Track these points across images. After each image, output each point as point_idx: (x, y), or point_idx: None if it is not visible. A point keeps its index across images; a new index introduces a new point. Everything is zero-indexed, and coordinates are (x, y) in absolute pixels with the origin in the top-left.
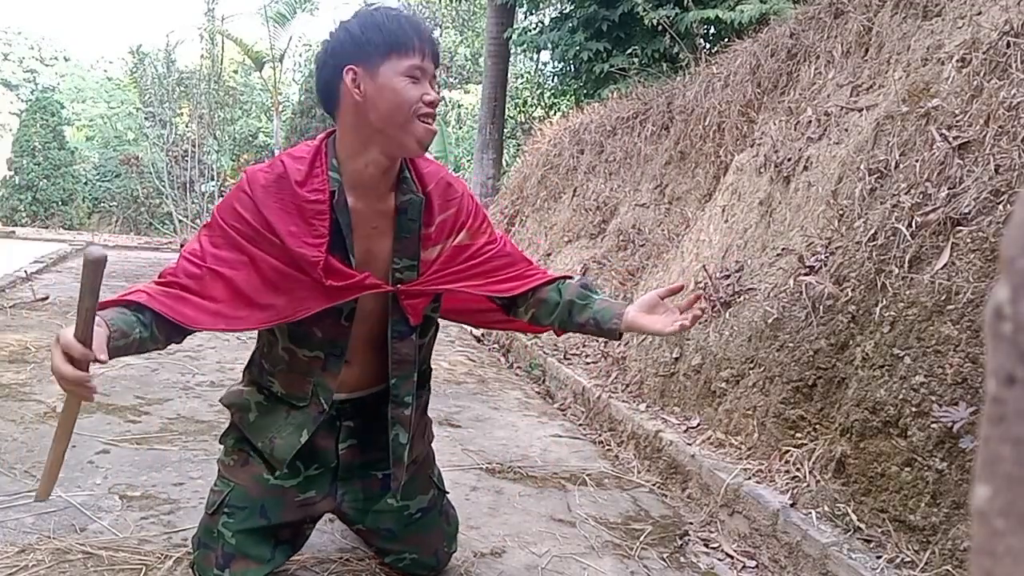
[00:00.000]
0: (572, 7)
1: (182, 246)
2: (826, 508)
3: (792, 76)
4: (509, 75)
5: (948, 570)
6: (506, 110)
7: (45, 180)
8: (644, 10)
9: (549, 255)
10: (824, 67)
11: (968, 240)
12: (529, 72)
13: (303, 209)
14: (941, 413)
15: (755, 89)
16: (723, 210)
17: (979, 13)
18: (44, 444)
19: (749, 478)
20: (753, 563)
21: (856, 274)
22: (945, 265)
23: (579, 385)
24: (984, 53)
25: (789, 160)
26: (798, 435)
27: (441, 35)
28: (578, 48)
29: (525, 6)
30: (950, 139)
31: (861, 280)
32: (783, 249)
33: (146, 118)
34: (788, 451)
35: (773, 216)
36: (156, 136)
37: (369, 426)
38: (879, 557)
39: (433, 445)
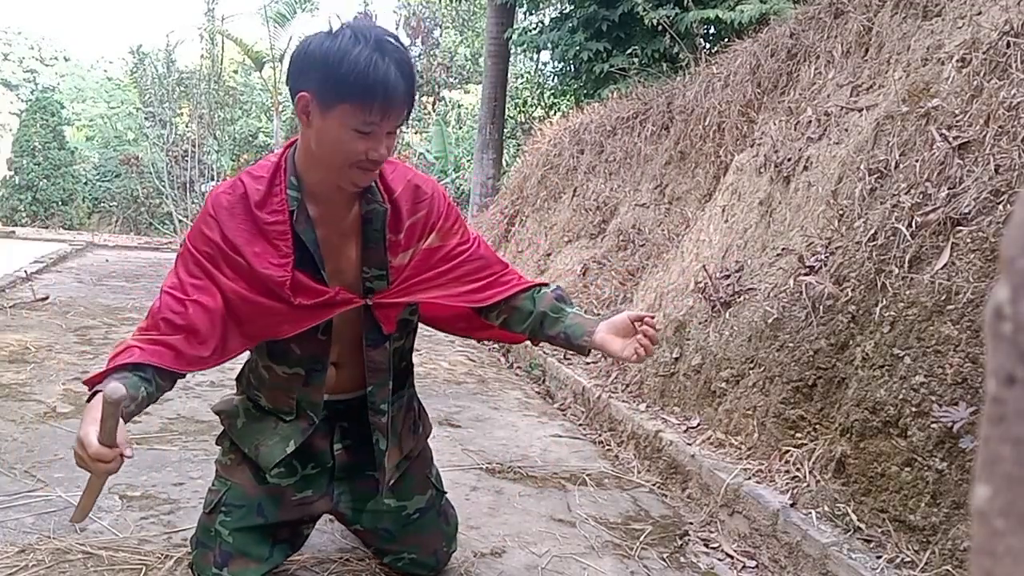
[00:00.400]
0: (572, 7)
1: (182, 246)
2: (826, 508)
3: (792, 76)
4: (509, 75)
5: (948, 570)
6: (506, 110)
7: (45, 180)
8: (644, 10)
9: (549, 255)
10: (824, 67)
11: (968, 240)
12: (529, 72)
13: (265, 231)
14: (941, 413)
15: (755, 89)
16: (723, 210)
17: (979, 13)
18: (44, 444)
19: (749, 478)
20: (753, 563)
21: (856, 274)
22: (945, 265)
23: (579, 385)
24: (984, 53)
25: (789, 160)
26: (798, 435)
27: (441, 35)
28: (578, 48)
29: (525, 6)
30: (950, 139)
31: (861, 280)
32: (783, 249)
33: (146, 118)
34: (788, 451)
35: (773, 216)
36: (156, 136)
37: (360, 428)
38: (879, 557)
39: (433, 445)
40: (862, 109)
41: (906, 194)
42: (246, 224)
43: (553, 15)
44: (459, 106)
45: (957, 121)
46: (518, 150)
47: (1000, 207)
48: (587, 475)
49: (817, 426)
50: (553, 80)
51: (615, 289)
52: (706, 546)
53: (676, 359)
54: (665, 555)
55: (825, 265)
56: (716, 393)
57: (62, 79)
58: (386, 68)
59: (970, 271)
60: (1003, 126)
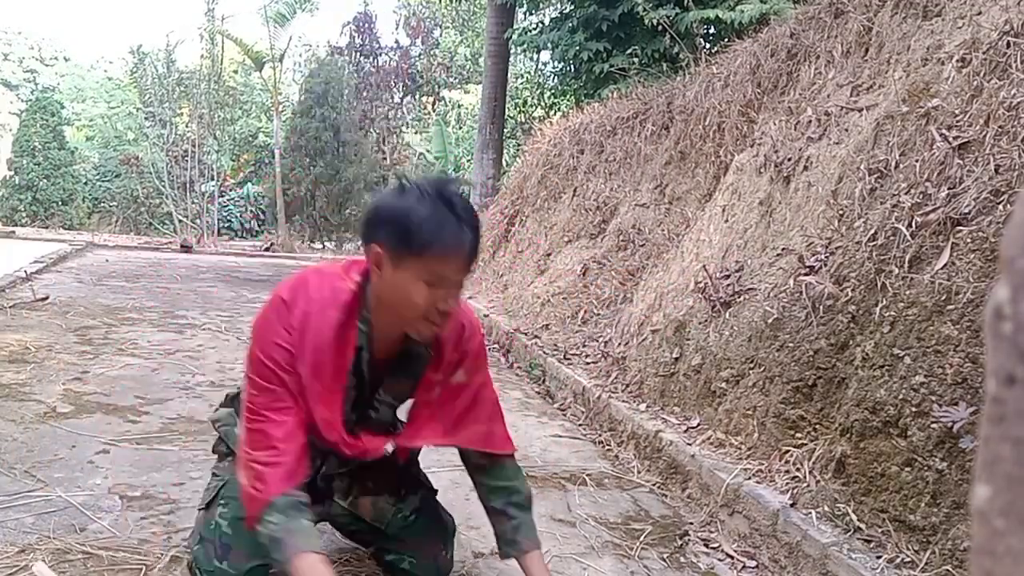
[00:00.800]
0: (572, 7)
1: (182, 245)
2: (826, 508)
3: (792, 76)
4: (509, 75)
5: (948, 570)
6: (506, 110)
7: (45, 180)
8: (644, 10)
9: (549, 255)
10: (824, 67)
11: (968, 240)
12: (529, 72)
13: (329, 366)
14: (941, 413)
15: (755, 89)
16: (723, 210)
17: (979, 13)
18: (44, 444)
19: (749, 478)
20: (753, 563)
21: (856, 274)
22: (945, 265)
23: (579, 385)
24: (984, 53)
25: (789, 160)
26: (798, 435)
27: (441, 35)
28: (578, 48)
29: (525, 6)
30: (950, 139)
31: (861, 280)
32: (783, 249)
33: (146, 118)
34: (788, 451)
35: (773, 216)
36: (156, 136)
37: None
38: (879, 557)
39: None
40: (862, 109)
41: (906, 194)
42: (313, 351)
43: (553, 15)
44: (459, 106)
45: (957, 121)
46: (518, 150)
47: (1000, 207)
48: (587, 475)
49: (817, 426)
50: (553, 80)
51: (615, 289)
52: (706, 546)
53: (676, 359)
54: (665, 555)
55: (825, 265)
56: (716, 393)
57: (62, 79)
58: (456, 222)
59: (970, 271)
60: (1003, 126)
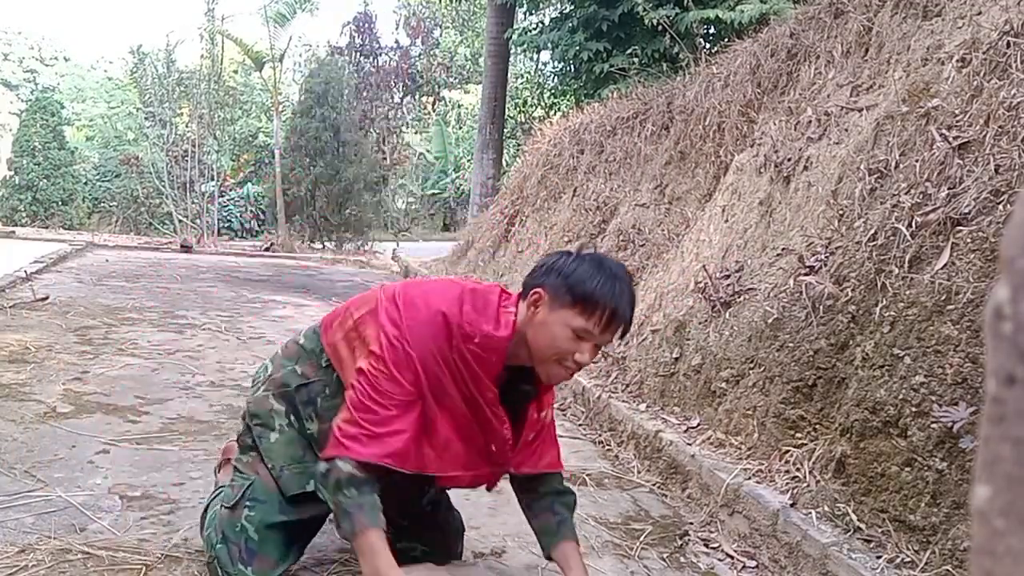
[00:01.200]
0: (572, 7)
1: (182, 245)
2: (826, 508)
3: (792, 76)
4: (509, 75)
5: (948, 570)
6: (506, 110)
7: (45, 180)
8: (644, 10)
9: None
10: (824, 67)
11: (968, 240)
12: (529, 72)
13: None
14: (941, 413)
15: (755, 89)
16: (723, 210)
17: (979, 13)
18: (44, 444)
19: (749, 478)
20: (753, 563)
21: (856, 274)
22: (945, 265)
23: (579, 385)
24: (984, 53)
25: (789, 160)
26: (798, 435)
27: (441, 35)
28: (578, 48)
29: (525, 6)
30: (950, 139)
31: (861, 280)
32: (783, 249)
33: (146, 118)
34: (788, 451)
35: (773, 216)
36: (156, 136)
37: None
38: (879, 557)
39: None
40: (862, 109)
41: (906, 194)
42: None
43: (553, 15)
44: (459, 106)
45: (957, 121)
46: (518, 150)
47: (1000, 207)
48: (587, 475)
49: (817, 426)
50: (553, 80)
51: None
52: (706, 546)
53: (676, 359)
54: (665, 555)
55: (825, 265)
56: (716, 393)
57: (62, 79)
58: (620, 290)
59: (970, 271)
60: (1003, 126)
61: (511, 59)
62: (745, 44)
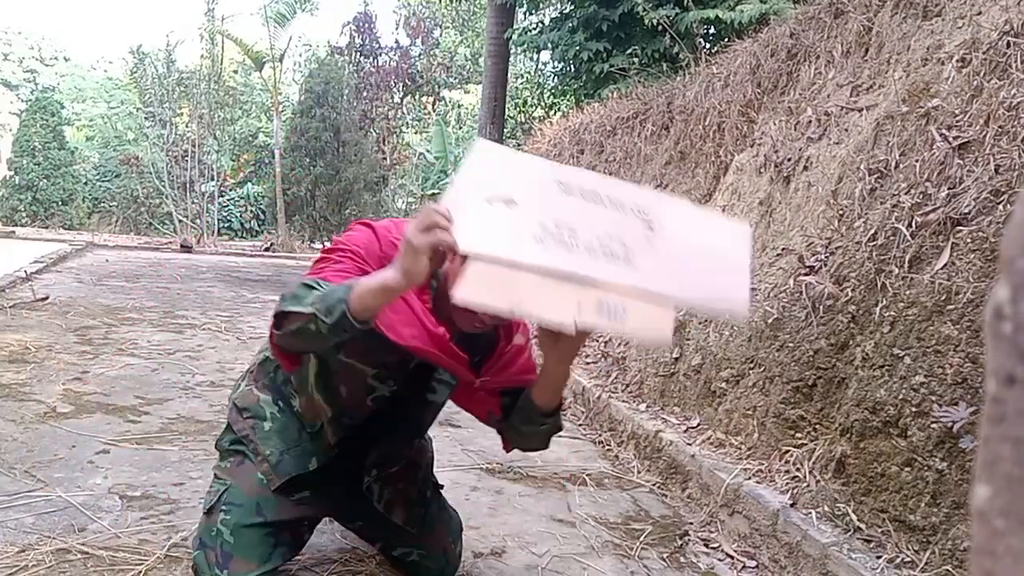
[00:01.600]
0: (572, 7)
1: (182, 245)
2: (826, 508)
3: (792, 76)
4: (509, 75)
5: (948, 570)
6: (506, 110)
7: (45, 180)
8: (644, 10)
9: None
10: (824, 67)
11: (968, 240)
12: (529, 72)
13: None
14: (941, 413)
15: (755, 89)
16: (723, 210)
17: (979, 13)
18: (44, 444)
19: (749, 478)
20: (753, 563)
21: (856, 274)
22: (945, 265)
23: (579, 385)
24: (984, 53)
25: (789, 160)
26: (798, 435)
27: (441, 35)
28: (578, 48)
29: (525, 6)
30: (950, 139)
31: (861, 280)
32: (783, 249)
33: (146, 118)
34: (788, 451)
35: (773, 216)
36: (156, 136)
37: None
38: (879, 557)
39: (434, 445)
40: (862, 109)
41: (906, 194)
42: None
43: (553, 15)
44: (459, 106)
45: (957, 121)
46: (518, 150)
47: (1000, 207)
48: (587, 475)
49: (817, 426)
50: (553, 80)
51: None
52: (706, 546)
53: (676, 359)
54: (665, 555)
55: (825, 265)
56: (716, 393)
57: (62, 79)
58: None
59: (970, 271)
60: (1003, 126)
61: (511, 59)
62: (745, 44)
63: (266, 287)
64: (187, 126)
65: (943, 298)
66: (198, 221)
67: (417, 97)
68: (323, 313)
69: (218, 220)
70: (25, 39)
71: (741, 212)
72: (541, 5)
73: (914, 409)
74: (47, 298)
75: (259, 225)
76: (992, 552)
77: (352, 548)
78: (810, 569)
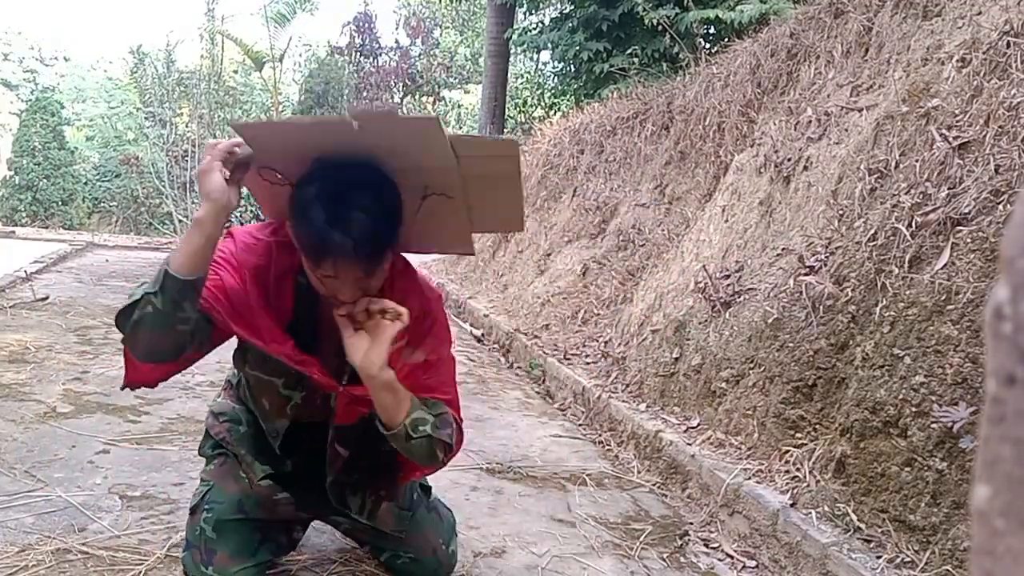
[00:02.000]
0: (572, 7)
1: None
2: (826, 508)
3: (792, 76)
4: (509, 75)
5: (948, 570)
6: (506, 110)
7: (45, 180)
8: (644, 10)
9: (549, 255)
10: (824, 67)
11: (968, 240)
12: (529, 72)
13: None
14: (941, 413)
15: (755, 89)
16: (723, 210)
17: (979, 13)
18: (44, 444)
19: (749, 478)
20: (753, 563)
21: (856, 274)
22: (945, 265)
23: (579, 385)
24: (984, 53)
25: (789, 160)
26: (798, 435)
27: (441, 35)
28: (578, 48)
29: (525, 6)
30: (950, 139)
31: (861, 280)
32: (783, 249)
33: (146, 118)
34: (788, 451)
35: (773, 216)
36: (156, 136)
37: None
38: (879, 557)
39: None
40: (862, 109)
41: (906, 194)
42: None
43: (553, 15)
44: (459, 106)
45: (957, 121)
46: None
47: (1000, 207)
48: (587, 475)
49: (817, 426)
50: (553, 80)
51: (615, 289)
52: (706, 546)
53: (676, 359)
54: (665, 555)
55: (825, 265)
56: (716, 393)
57: (62, 79)
58: (334, 228)
59: (970, 271)
60: (1003, 126)
61: (511, 59)
62: (745, 44)
63: None
64: (187, 126)
65: (943, 298)
66: None
67: (417, 97)
68: (151, 288)
69: None
70: (25, 39)
71: (741, 212)
72: (541, 5)
73: (914, 409)
74: (47, 298)
75: None
76: (992, 552)
77: (352, 548)
78: (810, 569)
